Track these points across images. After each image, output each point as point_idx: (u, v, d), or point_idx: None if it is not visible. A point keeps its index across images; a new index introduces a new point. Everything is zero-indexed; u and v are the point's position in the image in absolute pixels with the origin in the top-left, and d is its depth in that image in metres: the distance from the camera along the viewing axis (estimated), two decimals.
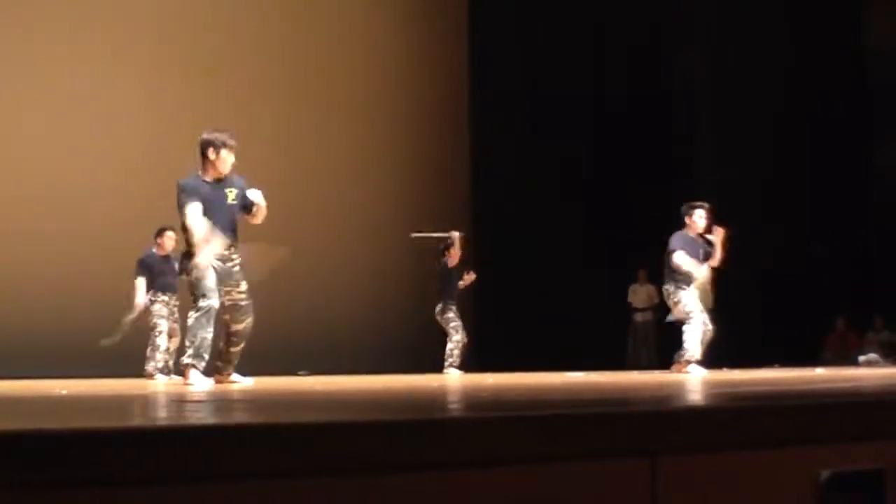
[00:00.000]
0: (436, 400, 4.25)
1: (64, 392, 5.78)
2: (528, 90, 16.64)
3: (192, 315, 7.23)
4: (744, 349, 13.15)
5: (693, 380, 7.45)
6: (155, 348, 11.10)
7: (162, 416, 3.25)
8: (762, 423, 2.63)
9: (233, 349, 7.46)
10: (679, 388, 5.07)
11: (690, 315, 10.16)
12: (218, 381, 7.33)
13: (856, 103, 17.46)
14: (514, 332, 15.65)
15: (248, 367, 7.76)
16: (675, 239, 10.40)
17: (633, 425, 2.44)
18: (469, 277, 12.96)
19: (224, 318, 7.35)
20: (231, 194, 7.41)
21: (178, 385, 7.60)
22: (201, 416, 3.08)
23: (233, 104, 14.15)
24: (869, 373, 9.38)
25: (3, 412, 3.60)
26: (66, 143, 13.99)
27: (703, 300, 10.35)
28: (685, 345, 10.08)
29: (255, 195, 7.44)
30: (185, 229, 7.36)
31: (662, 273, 10.58)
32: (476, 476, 2.16)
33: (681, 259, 10.26)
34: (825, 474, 2.49)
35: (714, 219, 10.53)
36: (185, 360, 7.26)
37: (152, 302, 11.23)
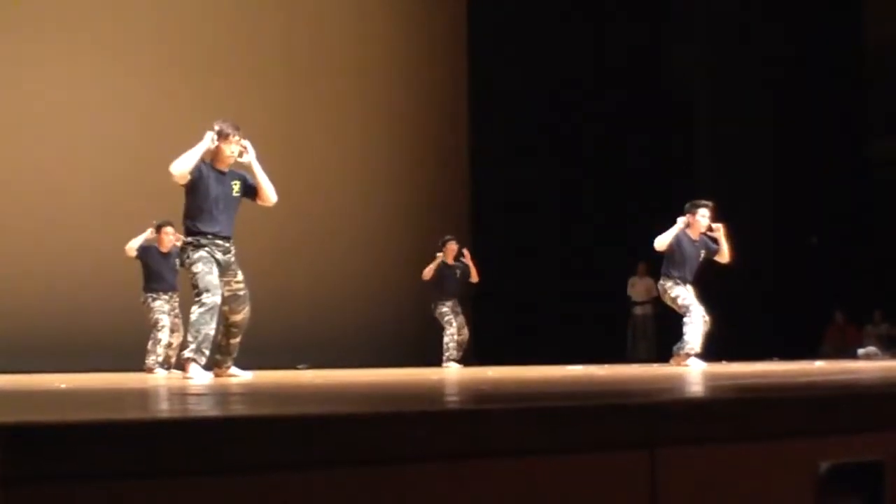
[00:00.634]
0: (435, 392, 4.25)
1: (63, 386, 5.78)
2: (529, 90, 16.62)
3: (196, 310, 7.22)
4: (743, 342, 13.17)
5: (692, 372, 7.46)
6: (156, 343, 11.12)
7: (162, 408, 3.25)
8: (761, 415, 2.63)
9: (232, 340, 7.47)
10: (678, 381, 5.08)
11: (689, 309, 10.17)
12: (217, 375, 7.34)
13: (853, 97, 17.48)
14: (513, 327, 15.67)
15: (248, 361, 7.77)
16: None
17: (632, 417, 2.44)
18: (467, 257, 12.98)
19: (223, 310, 7.35)
20: (236, 186, 7.43)
21: (178, 379, 7.61)
22: (202, 409, 3.08)
23: (233, 103, 14.13)
24: (868, 365, 9.39)
25: (2, 405, 3.60)
26: (64, 139, 13.98)
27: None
28: (685, 337, 10.08)
29: (248, 157, 7.43)
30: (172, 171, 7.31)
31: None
32: (476, 468, 2.16)
33: (657, 241, 10.28)
34: (824, 466, 2.49)
35: (714, 217, 10.51)
36: (187, 354, 7.26)
37: (153, 299, 11.25)
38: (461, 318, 12.88)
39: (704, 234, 10.46)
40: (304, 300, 14.97)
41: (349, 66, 16.02)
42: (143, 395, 4.47)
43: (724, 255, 10.46)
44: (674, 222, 10.47)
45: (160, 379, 8.51)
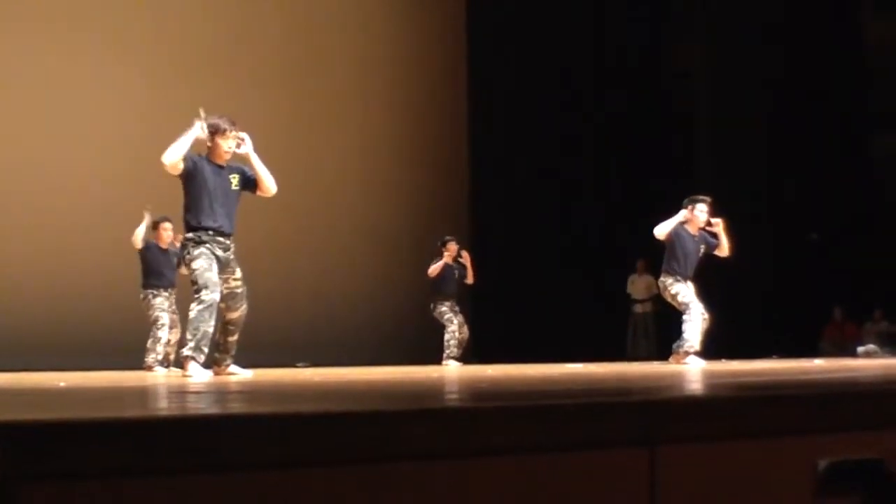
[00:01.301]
0: (435, 390, 4.25)
1: (62, 384, 5.78)
2: (529, 90, 16.62)
3: (195, 308, 7.21)
4: (742, 340, 13.17)
5: (692, 370, 7.46)
6: (156, 341, 11.11)
7: (161, 407, 3.25)
8: (760, 412, 2.63)
9: (230, 338, 7.47)
10: (678, 378, 5.08)
11: (688, 306, 10.17)
12: (216, 373, 7.34)
13: (853, 94, 17.46)
14: (513, 325, 15.67)
15: (247, 359, 7.77)
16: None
17: (632, 415, 2.44)
18: (466, 258, 13.01)
19: (220, 307, 7.35)
20: (234, 180, 7.42)
21: (178, 376, 7.61)
22: (201, 407, 3.08)
23: (233, 102, 14.09)
24: (867, 363, 9.38)
25: (2, 404, 3.60)
26: (64, 138, 13.98)
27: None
28: (685, 335, 10.09)
29: (245, 148, 7.43)
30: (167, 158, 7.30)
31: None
32: (476, 466, 2.16)
33: (657, 229, 10.28)
34: (823, 464, 2.49)
35: (712, 212, 10.52)
36: (186, 352, 7.26)
37: (154, 296, 11.24)
38: (461, 317, 12.97)
39: (703, 229, 10.48)
40: (303, 298, 14.98)
41: (349, 66, 16.03)
42: (143, 394, 4.47)
43: (724, 250, 10.48)
44: (672, 214, 10.49)
45: (159, 377, 8.50)
